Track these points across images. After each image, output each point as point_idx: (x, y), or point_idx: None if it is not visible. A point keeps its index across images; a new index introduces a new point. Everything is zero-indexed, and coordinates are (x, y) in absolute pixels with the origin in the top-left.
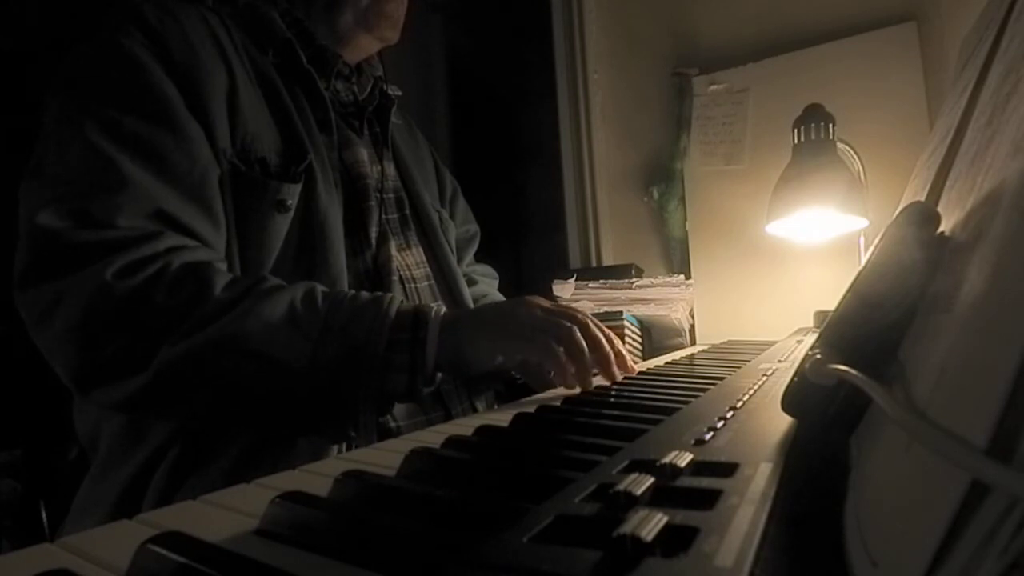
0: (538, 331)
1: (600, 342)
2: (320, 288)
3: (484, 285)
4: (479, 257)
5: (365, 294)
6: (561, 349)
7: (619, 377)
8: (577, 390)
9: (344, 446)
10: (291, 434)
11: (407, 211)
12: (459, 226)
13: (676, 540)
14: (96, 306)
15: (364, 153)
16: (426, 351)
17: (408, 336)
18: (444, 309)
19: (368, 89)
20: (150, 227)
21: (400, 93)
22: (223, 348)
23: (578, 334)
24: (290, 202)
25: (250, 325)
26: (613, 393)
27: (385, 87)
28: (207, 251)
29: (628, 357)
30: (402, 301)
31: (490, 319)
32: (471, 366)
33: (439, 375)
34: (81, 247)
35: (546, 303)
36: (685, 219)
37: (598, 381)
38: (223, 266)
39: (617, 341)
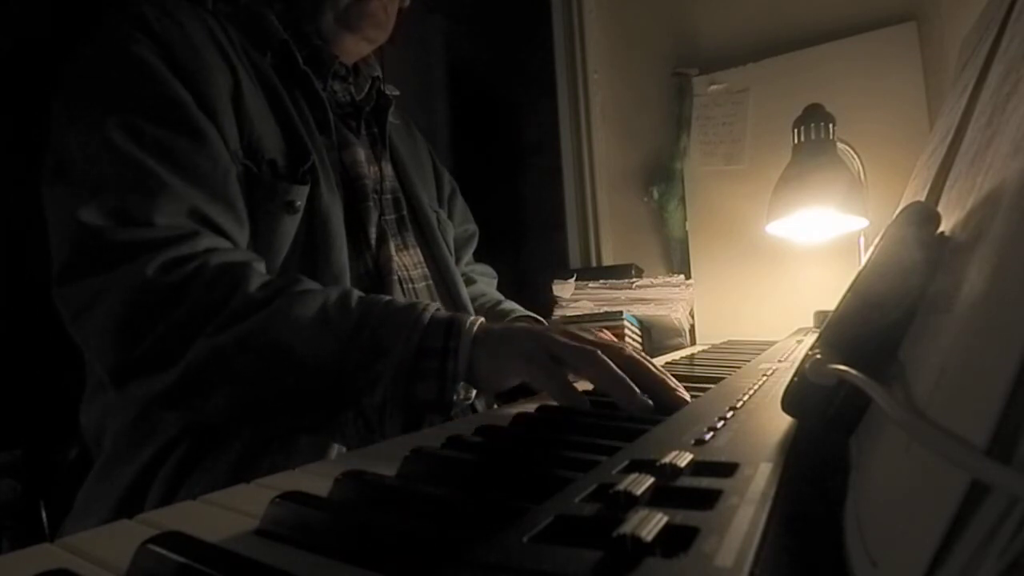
0: (547, 354)
1: (637, 361)
2: (356, 292)
3: (483, 284)
4: (479, 257)
5: (401, 300)
6: (564, 371)
7: (683, 402)
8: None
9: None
10: (316, 435)
11: (405, 212)
12: (457, 226)
13: (676, 540)
14: (136, 301)
15: (362, 154)
16: (458, 361)
17: (440, 345)
18: (480, 320)
19: (365, 89)
20: (188, 226)
21: (398, 93)
22: (251, 345)
23: (599, 354)
24: (299, 203)
25: (280, 323)
26: None
27: (382, 87)
28: (244, 252)
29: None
30: (438, 308)
31: (513, 339)
32: (483, 384)
33: (473, 389)
34: (123, 245)
35: (585, 334)
36: (685, 219)
37: None
38: (261, 266)
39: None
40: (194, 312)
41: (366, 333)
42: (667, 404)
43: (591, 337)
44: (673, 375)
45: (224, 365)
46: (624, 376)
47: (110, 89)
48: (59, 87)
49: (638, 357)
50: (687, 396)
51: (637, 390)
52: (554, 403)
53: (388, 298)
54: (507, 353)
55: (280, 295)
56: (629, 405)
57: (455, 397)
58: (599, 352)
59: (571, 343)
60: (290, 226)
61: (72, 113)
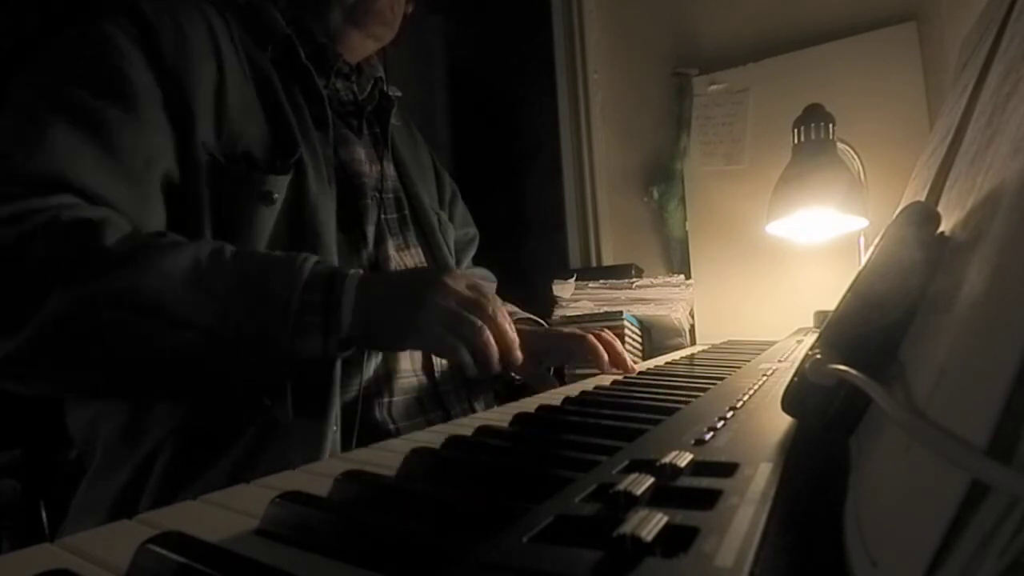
0: (448, 331)
1: (499, 325)
2: (230, 247)
3: None
4: (479, 256)
5: (280, 253)
6: (467, 350)
7: (516, 361)
8: (568, 386)
9: (340, 443)
10: (199, 402)
11: (406, 211)
12: (458, 229)
13: (676, 540)
14: None
15: (362, 152)
16: (341, 313)
17: (321, 298)
18: (360, 273)
19: (368, 89)
20: (49, 188)
21: (400, 94)
22: (113, 303)
23: (486, 335)
24: (276, 195)
25: (146, 278)
26: (613, 393)
27: (385, 88)
28: (112, 213)
29: (627, 357)
30: (318, 260)
31: (402, 301)
32: (379, 344)
33: (353, 345)
34: None
35: (461, 290)
36: (685, 219)
37: (600, 381)
38: (125, 223)
39: (616, 342)
40: (40, 269)
41: (244, 288)
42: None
43: (470, 294)
44: (673, 375)
45: (84, 327)
46: (493, 351)
47: (65, 63)
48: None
49: (497, 319)
50: (520, 356)
51: (496, 361)
52: (554, 403)
53: (266, 252)
54: (402, 320)
55: (145, 248)
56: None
57: (338, 350)
58: (478, 325)
59: (456, 313)
60: (267, 218)
61: (20, 85)
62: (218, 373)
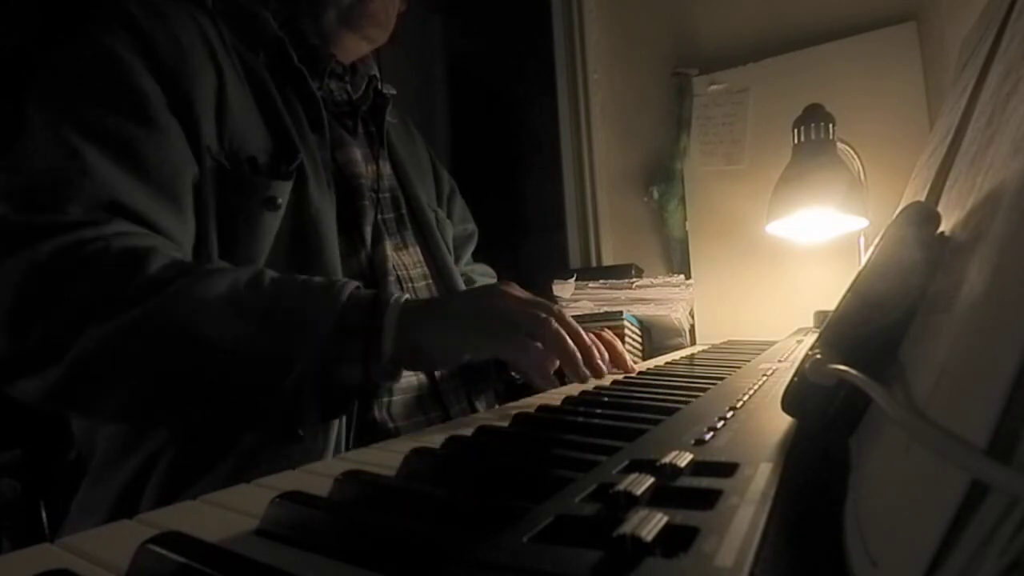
0: (512, 327)
1: (579, 333)
2: (271, 273)
3: (482, 284)
4: (478, 256)
5: (319, 279)
6: (538, 344)
7: (603, 372)
8: (569, 386)
9: (343, 444)
10: (233, 428)
11: (403, 211)
12: (456, 225)
13: (676, 540)
14: (27, 287)
15: (358, 153)
16: (382, 340)
17: (363, 324)
18: (406, 297)
19: (362, 88)
20: (102, 216)
21: (395, 92)
22: (150, 330)
23: (555, 325)
24: (280, 200)
25: (182, 304)
26: (613, 393)
27: (380, 86)
28: (161, 240)
29: (628, 357)
30: (358, 286)
31: (460, 312)
32: (437, 361)
33: (400, 369)
34: (25, 229)
35: (521, 293)
36: (685, 219)
37: (600, 381)
38: (173, 251)
39: (617, 342)
40: (86, 298)
41: (279, 313)
42: (590, 370)
43: (527, 296)
44: (673, 375)
45: (119, 354)
46: (575, 349)
47: (75, 81)
48: (34, 84)
49: (573, 323)
50: (605, 368)
51: (581, 362)
52: (554, 403)
53: (305, 278)
54: (468, 329)
55: (184, 275)
56: (576, 378)
57: (381, 379)
58: (553, 322)
59: (526, 310)
60: (272, 223)
61: (34, 104)
62: (252, 398)
